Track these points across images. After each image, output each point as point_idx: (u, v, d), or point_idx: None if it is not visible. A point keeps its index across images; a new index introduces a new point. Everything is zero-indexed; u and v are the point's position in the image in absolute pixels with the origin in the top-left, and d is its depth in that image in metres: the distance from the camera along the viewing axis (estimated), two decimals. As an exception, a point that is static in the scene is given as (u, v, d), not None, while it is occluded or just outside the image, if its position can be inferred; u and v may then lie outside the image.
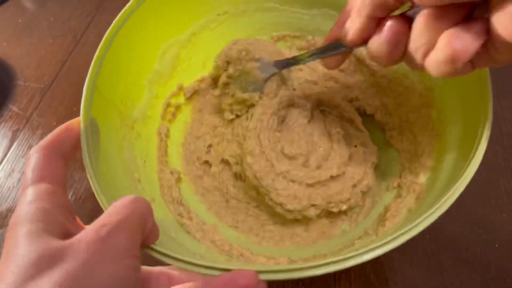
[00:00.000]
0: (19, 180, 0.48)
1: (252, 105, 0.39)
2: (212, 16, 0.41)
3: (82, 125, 0.27)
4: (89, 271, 0.17)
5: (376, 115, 0.40)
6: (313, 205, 0.35)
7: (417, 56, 0.22)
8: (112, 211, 0.20)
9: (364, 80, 0.41)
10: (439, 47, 0.20)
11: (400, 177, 0.36)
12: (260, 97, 0.39)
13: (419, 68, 0.23)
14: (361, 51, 0.41)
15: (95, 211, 0.43)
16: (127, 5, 0.35)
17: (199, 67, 0.43)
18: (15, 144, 0.51)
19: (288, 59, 0.37)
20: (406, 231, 0.22)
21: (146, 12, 0.36)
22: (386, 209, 0.34)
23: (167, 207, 0.35)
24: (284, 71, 0.39)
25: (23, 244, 0.18)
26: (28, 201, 0.20)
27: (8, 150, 0.51)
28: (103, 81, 0.31)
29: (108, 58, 0.32)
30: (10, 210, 0.45)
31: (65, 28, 0.64)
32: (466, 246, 0.37)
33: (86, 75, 0.60)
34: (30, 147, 0.51)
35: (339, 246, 0.33)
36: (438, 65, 0.21)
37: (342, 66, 0.41)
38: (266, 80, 0.38)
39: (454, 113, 0.32)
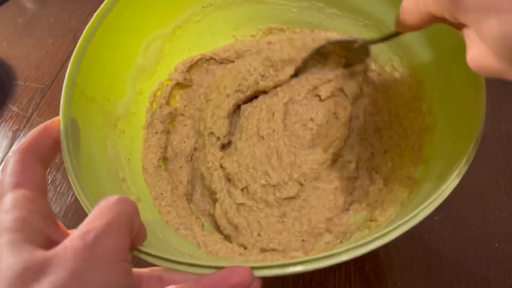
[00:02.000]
0: (19, 180, 0.48)
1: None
2: (197, 8, 0.40)
3: (62, 125, 0.26)
4: (78, 280, 0.16)
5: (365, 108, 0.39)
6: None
7: None
8: (97, 214, 0.19)
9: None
10: None
11: (391, 171, 0.35)
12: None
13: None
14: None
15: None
16: None
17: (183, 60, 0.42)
18: (15, 144, 0.51)
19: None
20: (401, 225, 0.22)
21: (128, 4, 0.34)
22: (377, 204, 0.33)
23: (155, 206, 0.34)
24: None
25: (4, 256, 0.17)
26: (5, 210, 0.19)
27: (8, 150, 0.51)
28: (84, 78, 0.30)
29: (88, 54, 0.30)
30: (10, 210, 0.45)
31: (65, 28, 0.64)
32: (466, 246, 0.37)
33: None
34: (30, 147, 0.51)
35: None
36: None
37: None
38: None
39: (446, 106, 0.31)
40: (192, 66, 0.41)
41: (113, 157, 0.33)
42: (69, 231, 0.22)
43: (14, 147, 0.22)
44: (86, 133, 0.29)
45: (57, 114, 0.53)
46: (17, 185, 0.20)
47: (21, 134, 0.52)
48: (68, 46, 0.61)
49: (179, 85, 0.42)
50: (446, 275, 0.36)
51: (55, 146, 0.25)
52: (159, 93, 0.40)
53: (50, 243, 0.18)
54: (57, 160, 0.49)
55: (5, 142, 0.51)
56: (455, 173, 0.23)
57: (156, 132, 0.39)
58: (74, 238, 0.18)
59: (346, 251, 0.21)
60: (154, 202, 0.35)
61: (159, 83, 0.40)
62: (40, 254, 0.17)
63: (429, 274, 0.36)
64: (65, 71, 0.57)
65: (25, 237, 0.17)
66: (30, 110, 0.54)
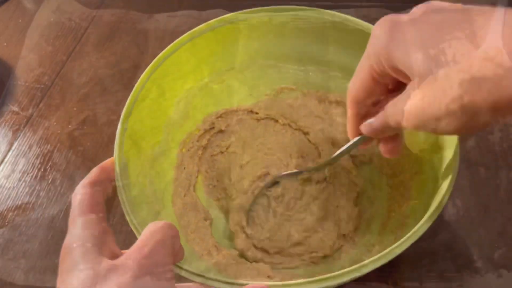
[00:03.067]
0: (19, 180, 0.48)
1: None
2: (221, 71, 0.47)
3: (117, 167, 0.32)
4: (138, 282, 0.21)
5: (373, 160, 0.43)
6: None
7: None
8: (149, 234, 0.24)
9: None
10: None
11: (389, 211, 0.38)
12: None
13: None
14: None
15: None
16: (162, 52, 0.40)
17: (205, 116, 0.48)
18: (15, 144, 0.51)
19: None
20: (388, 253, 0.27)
21: (169, 67, 0.41)
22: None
23: (183, 235, 0.38)
24: None
25: (81, 262, 0.22)
26: (80, 228, 0.24)
27: (8, 150, 0.51)
28: (131, 125, 0.36)
29: (136, 105, 0.37)
30: (10, 210, 0.45)
31: (65, 28, 0.64)
32: (466, 246, 0.37)
33: (86, 75, 0.60)
34: (30, 147, 0.51)
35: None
36: None
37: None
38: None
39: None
40: (218, 117, 0.48)
41: (150, 193, 0.38)
42: (123, 251, 0.26)
43: (81, 182, 0.28)
44: (132, 172, 0.35)
45: (57, 114, 0.53)
46: (86, 211, 0.26)
47: (21, 134, 0.52)
48: (68, 46, 0.61)
49: (206, 131, 0.47)
50: (446, 275, 0.36)
51: (110, 179, 0.32)
52: (188, 140, 0.45)
53: (114, 255, 0.24)
54: (56, 161, 0.49)
55: (5, 142, 0.51)
56: (424, 219, 0.27)
57: (184, 168, 0.44)
58: (133, 251, 0.23)
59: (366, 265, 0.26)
60: (181, 231, 0.38)
61: (188, 133, 0.45)
62: (108, 262, 0.22)
63: (429, 274, 0.36)
64: (65, 71, 0.58)
65: (97, 249, 0.23)
66: (30, 110, 0.54)
